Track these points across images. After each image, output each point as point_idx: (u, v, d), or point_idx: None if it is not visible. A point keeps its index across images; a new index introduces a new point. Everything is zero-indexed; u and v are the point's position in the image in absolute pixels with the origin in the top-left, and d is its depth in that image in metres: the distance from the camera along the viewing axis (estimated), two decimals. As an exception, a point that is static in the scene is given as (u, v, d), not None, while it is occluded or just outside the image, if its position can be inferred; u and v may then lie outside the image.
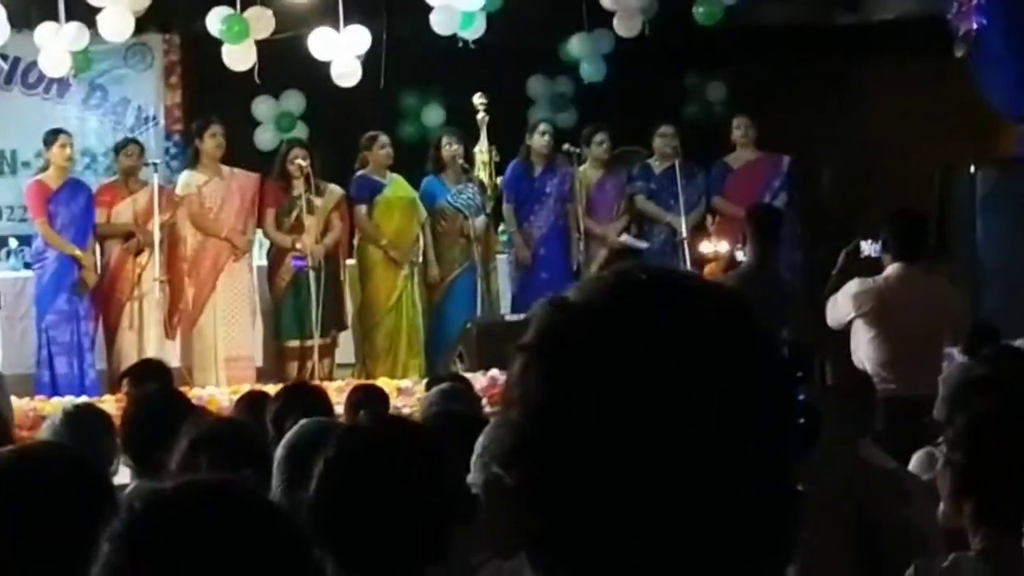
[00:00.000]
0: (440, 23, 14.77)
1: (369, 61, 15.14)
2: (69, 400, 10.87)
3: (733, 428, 1.65)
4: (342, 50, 14.74)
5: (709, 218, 15.28)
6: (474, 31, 14.96)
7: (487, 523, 4.31)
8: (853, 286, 10.06)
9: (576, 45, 16.84)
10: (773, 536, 1.69)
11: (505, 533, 1.71)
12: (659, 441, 1.64)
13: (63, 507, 3.39)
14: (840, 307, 10.08)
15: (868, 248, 10.60)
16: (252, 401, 8.51)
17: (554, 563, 1.69)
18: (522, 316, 13.67)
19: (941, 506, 4.49)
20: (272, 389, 9.50)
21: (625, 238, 15.29)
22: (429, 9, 14.60)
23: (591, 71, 16.93)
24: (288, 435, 5.07)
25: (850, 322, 10.04)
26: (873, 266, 10.35)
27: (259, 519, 2.47)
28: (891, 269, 10.05)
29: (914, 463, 6.80)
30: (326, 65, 14.83)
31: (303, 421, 5.29)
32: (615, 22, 15.74)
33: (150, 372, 10.10)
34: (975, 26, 14.55)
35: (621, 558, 1.65)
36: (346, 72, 14.79)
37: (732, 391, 1.66)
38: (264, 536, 2.43)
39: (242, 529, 2.42)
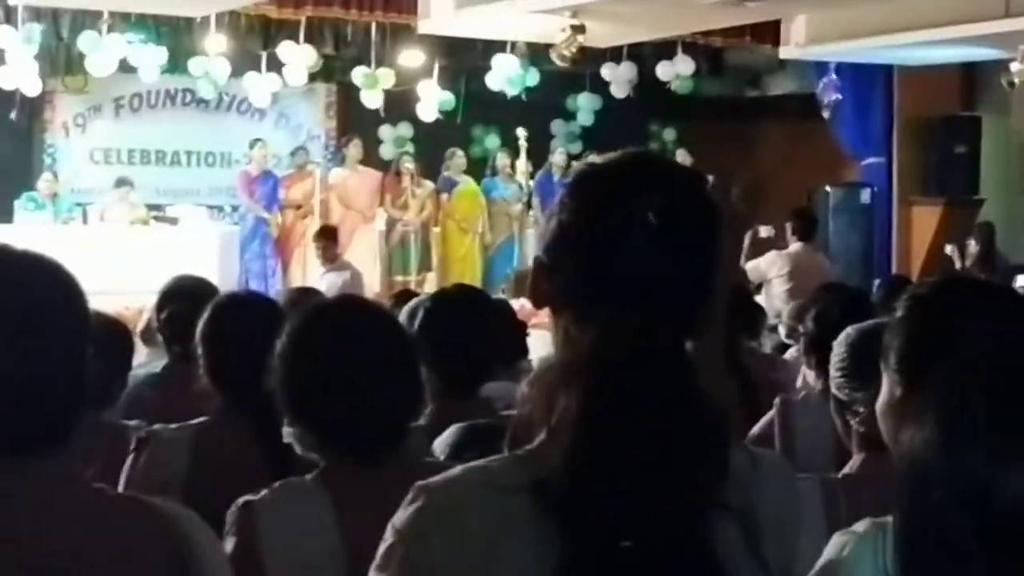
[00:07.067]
0: (494, 82, 14.29)
1: (455, 105, 14.86)
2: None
3: None
4: (430, 98, 14.42)
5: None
6: (518, 87, 14.46)
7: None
8: (771, 256, 9.71)
9: (580, 100, 16.37)
10: None
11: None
12: None
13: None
14: (761, 269, 9.60)
15: (764, 232, 10.26)
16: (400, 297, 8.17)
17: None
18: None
19: (803, 370, 4.35)
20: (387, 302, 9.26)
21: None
22: (489, 70, 14.23)
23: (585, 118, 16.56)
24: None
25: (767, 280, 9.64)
26: (768, 245, 9.98)
27: (370, 311, 2.53)
28: (795, 246, 9.79)
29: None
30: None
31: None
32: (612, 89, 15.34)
33: (305, 293, 9.98)
34: (834, 98, 14.37)
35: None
36: (430, 109, 14.43)
37: None
38: (373, 323, 2.45)
39: (361, 313, 2.49)
